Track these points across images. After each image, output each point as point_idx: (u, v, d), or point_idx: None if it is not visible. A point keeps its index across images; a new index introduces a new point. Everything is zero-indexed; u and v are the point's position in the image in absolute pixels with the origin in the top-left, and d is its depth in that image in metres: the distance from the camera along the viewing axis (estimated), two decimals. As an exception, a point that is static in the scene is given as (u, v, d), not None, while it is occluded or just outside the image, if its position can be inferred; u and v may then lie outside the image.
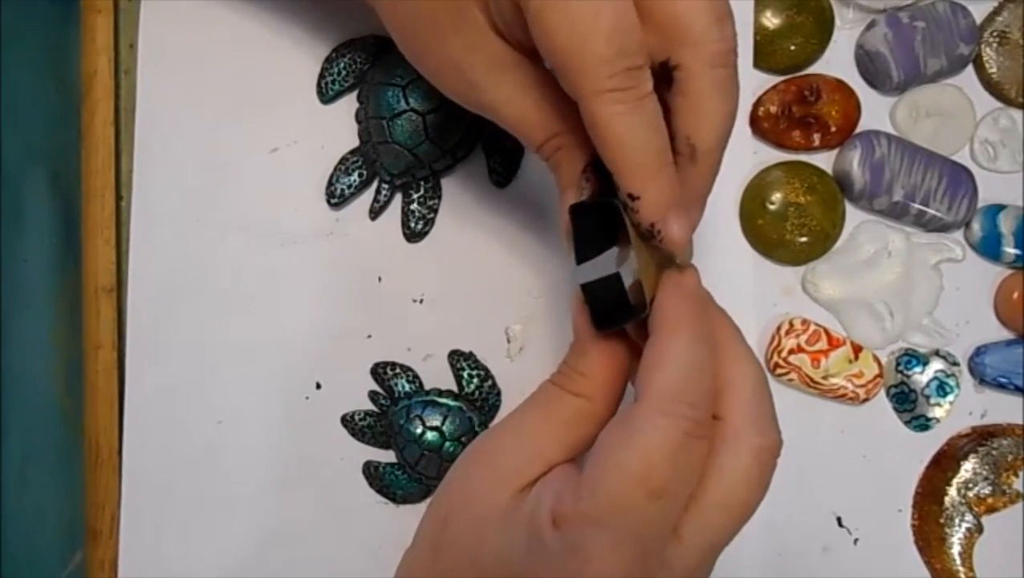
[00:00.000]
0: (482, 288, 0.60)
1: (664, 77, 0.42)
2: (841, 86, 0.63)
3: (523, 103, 0.43)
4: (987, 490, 0.63)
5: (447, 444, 0.57)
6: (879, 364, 0.62)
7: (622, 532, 0.36)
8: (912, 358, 0.63)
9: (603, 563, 0.36)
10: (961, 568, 0.63)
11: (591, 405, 0.42)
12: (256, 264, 0.60)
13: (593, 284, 0.42)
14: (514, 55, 0.43)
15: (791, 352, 0.61)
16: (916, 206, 0.62)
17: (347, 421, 0.59)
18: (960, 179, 0.62)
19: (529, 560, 0.38)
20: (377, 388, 0.59)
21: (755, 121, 0.63)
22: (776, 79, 0.63)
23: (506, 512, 0.40)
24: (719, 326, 0.43)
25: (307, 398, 0.60)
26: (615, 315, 0.42)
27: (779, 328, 0.62)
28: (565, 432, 0.42)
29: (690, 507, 0.38)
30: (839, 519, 0.63)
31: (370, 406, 0.59)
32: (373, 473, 0.59)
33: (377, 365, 0.59)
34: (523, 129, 0.44)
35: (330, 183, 0.59)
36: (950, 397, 0.63)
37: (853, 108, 0.63)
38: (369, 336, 0.60)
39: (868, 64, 0.63)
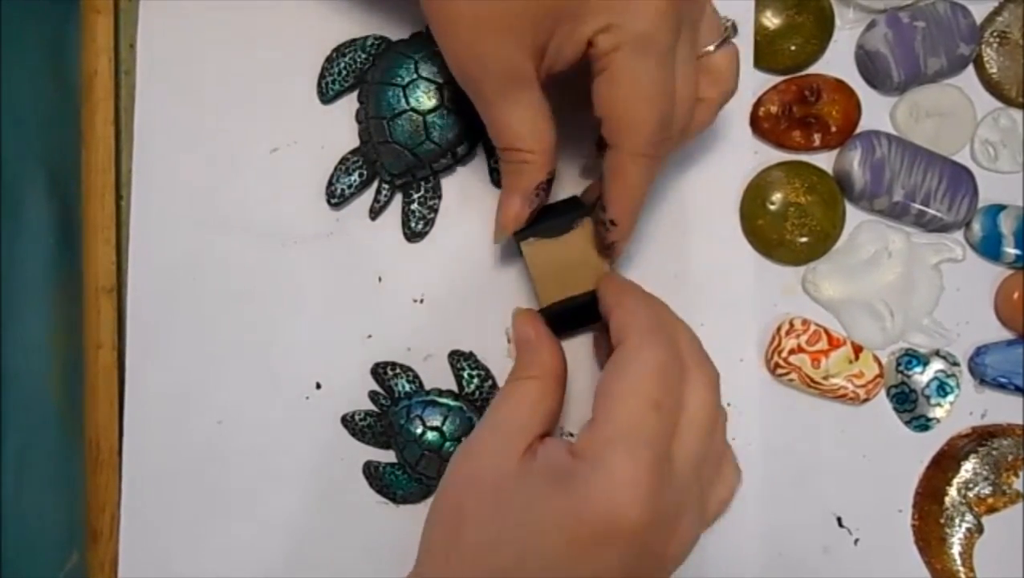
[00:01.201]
0: (482, 288, 0.60)
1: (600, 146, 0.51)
2: (841, 86, 0.63)
3: (522, 116, 0.50)
4: (987, 490, 0.63)
5: (447, 444, 0.57)
6: (879, 364, 0.62)
7: (637, 442, 0.43)
8: (912, 358, 0.63)
9: (626, 472, 0.42)
10: (961, 568, 0.63)
11: (547, 382, 0.51)
12: (256, 264, 0.60)
13: (562, 309, 0.55)
14: (534, 77, 0.48)
15: (791, 352, 0.61)
16: (916, 206, 0.62)
17: (347, 421, 0.59)
18: (960, 179, 0.62)
19: (555, 497, 0.43)
20: (377, 388, 0.59)
21: (755, 121, 0.63)
22: (776, 79, 0.63)
23: (519, 472, 0.46)
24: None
25: (307, 398, 0.60)
26: (578, 322, 0.57)
27: (779, 328, 0.62)
28: (537, 406, 0.49)
29: (679, 422, 0.46)
30: (839, 519, 0.63)
31: (370, 406, 0.59)
32: (373, 473, 0.59)
33: (377, 365, 0.59)
34: (509, 136, 0.51)
35: (330, 183, 0.59)
36: (950, 397, 0.63)
37: (853, 108, 0.63)
38: (369, 336, 0.60)
39: (868, 64, 0.63)
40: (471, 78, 0.49)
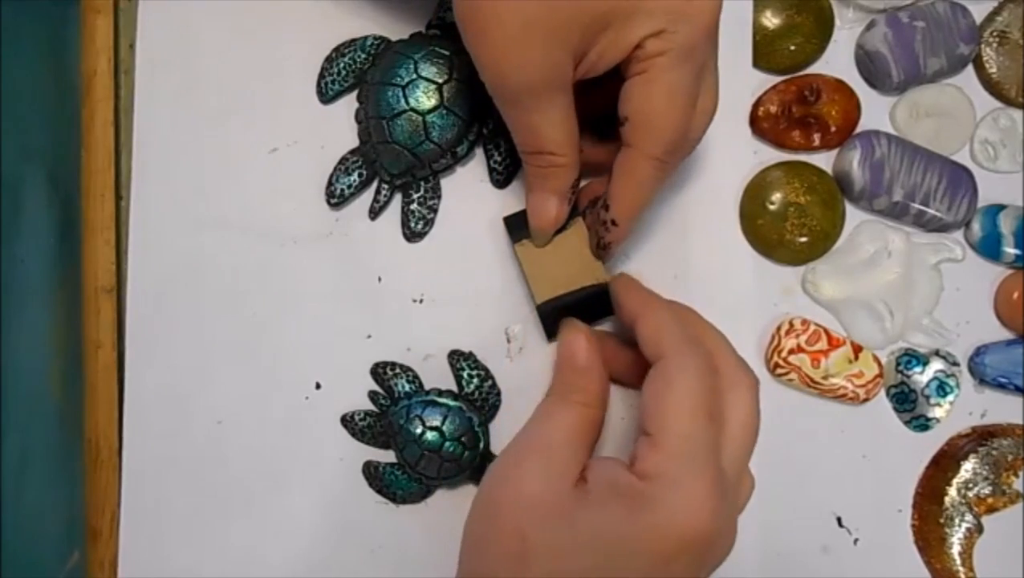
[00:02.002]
0: (482, 288, 0.60)
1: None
2: (841, 86, 0.63)
3: (555, 120, 0.49)
4: (987, 490, 0.63)
5: (447, 444, 0.57)
6: (879, 364, 0.62)
7: (699, 455, 0.44)
8: (912, 358, 0.63)
9: (696, 486, 0.43)
10: (961, 568, 0.63)
11: (596, 412, 0.51)
12: (256, 264, 0.60)
13: (557, 305, 0.56)
14: (571, 82, 0.49)
15: (791, 352, 0.61)
16: (916, 206, 0.62)
17: (347, 421, 0.59)
18: (960, 179, 0.62)
19: (633, 519, 0.44)
20: (377, 388, 0.59)
21: (755, 121, 0.63)
22: (776, 79, 0.63)
23: (580, 496, 0.46)
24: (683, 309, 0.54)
25: (307, 398, 0.60)
26: (598, 314, 0.57)
27: (779, 328, 0.62)
28: (586, 435, 0.49)
29: (724, 431, 0.47)
30: (839, 519, 0.63)
31: (370, 406, 0.59)
32: (373, 473, 0.59)
33: (377, 365, 0.59)
34: (541, 140, 0.51)
35: (330, 183, 0.59)
36: (950, 397, 0.63)
37: (853, 108, 0.63)
38: (369, 336, 0.60)
39: (868, 64, 0.63)
40: (508, 85, 0.48)
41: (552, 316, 0.57)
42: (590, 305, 0.56)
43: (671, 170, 0.51)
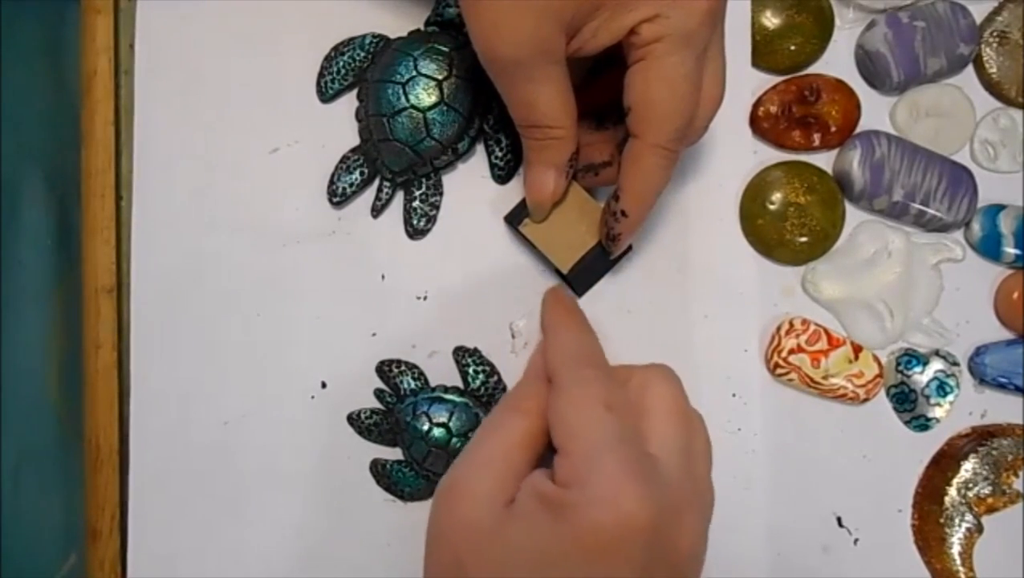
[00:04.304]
0: (485, 284, 0.60)
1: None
2: (841, 86, 0.63)
3: (550, 93, 0.49)
4: (987, 490, 0.63)
5: (454, 440, 0.57)
6: (879, 364, 0.62)
7: (605, 447, 0.43)
8: (912, 358, 0.63)
9: (607, 478, 0.42)
10: (961, 568, 0.63)
11: (543, 420, 0.48)
12: (258, 264, 0.60)
13: (583, 266, 0.57)
14: (563, 55, 0.48)
15: (791, 352, 0.61)
16: (916, 206, 0.62)
17: (353, 419, 0.59)
18: (960, 179, 0.62)
19: (556, 526, 0.42)
20: (383, 386, 0.59)
21: (755, 121, 0.63)
22: (776, 79, 0.63)
23: (513, 514, 0.44)
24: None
25: (313, 397, 0.60)
26: (599, 273, 0.59)
27: (779, 328, 0.62)
28: (530, 447, 0.47)
29: (646, 420, 0.46)
30: (839, 519, 0.63)
31: (376, 404, 0.59)
32: (380, 471, 0.59)
33: (382, 363, 0.59)
34: (536, 114, 0.51)
35: (331, 182, 0.59)
36: (950, 397, 0.63)
37: (853, 108, 0.63)
38: (374, 334, 0.60)
39: (868, 64, 0.63)
40: (499, 56, 0.48)
41: (580, 278, 0.58)
42: (607, 254, 0.57)
43: (676, 159, 0.51)
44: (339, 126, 0.60)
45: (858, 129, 0.63)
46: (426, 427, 0.57)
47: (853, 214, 0.63)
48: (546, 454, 0.47)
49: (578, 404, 0.45)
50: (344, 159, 0.59)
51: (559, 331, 0.52)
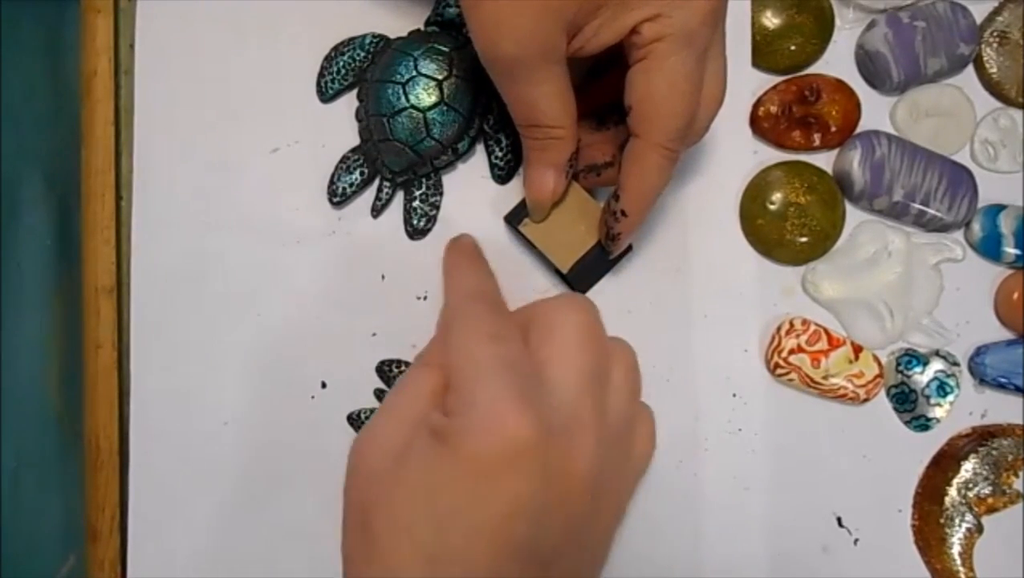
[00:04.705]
0: (485, 284, 0.60)
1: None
2: (841, 86, 0.63)
3: (550, 93, 0.49)
4: (987, 490, 0.63)
5: (452, 440, 0.57)
6: (879, 364, 0.62)
7: (487, 371, 0.43)
8: (912, 358, 0.63)
9: (493, 397, 0.42)
10: (961, 568, 0.63)
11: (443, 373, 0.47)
12: (258, 264, 0.60)
13: (583, 265, 0.57)
14: (564, 54, 0.48)
15: (791, 352, 0.61)
16: (916, 206, 0.62)
17: (353, 419, 0.59)
18: (960, 179, 0.62)
19: (445, 454, 0.42)
20: (383, 386, 0.59)
21: (755, 121, 0.63)
22: (776, 79, 0.63)
23: (406, 456, 0.44)
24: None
25: (313, 397, 0.60)
26: (600, 272, 0.59)
27: (779, 328, 0.62)
28: (431, 395, 0.47)
29: (547, 345, 0.46)
30: (839, 519, 0.63)
31: (376, 404, 0.59)
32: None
33: (382, 363, 0.59)
34: (537, 113, 0.51)
35: (331, 182, 0.59)
36: (950, 397, 0.63)
37: (853, 108, 0.63)
38: (374, 334, 0.60)
39: (868, 64, 0.63)
40: (502, 57, 0.48)
41: (580, 278, 0.58)
42: (607, 254, 0.57)
43: (677, 159, 0.51)
44: (339, 126, 0.60)
45: (858, 129, 0.63)
46: (425, 427, 0.57)
47: (853, 214, 0.63)
48: None
49: (464, 336, 0.46)
50: (344, 159, 0.59)
51: (454, 273, 0.54)
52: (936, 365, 0.63)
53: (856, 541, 0.63)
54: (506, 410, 0.41)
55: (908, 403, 0.63)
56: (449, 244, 0.57)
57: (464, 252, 0.56)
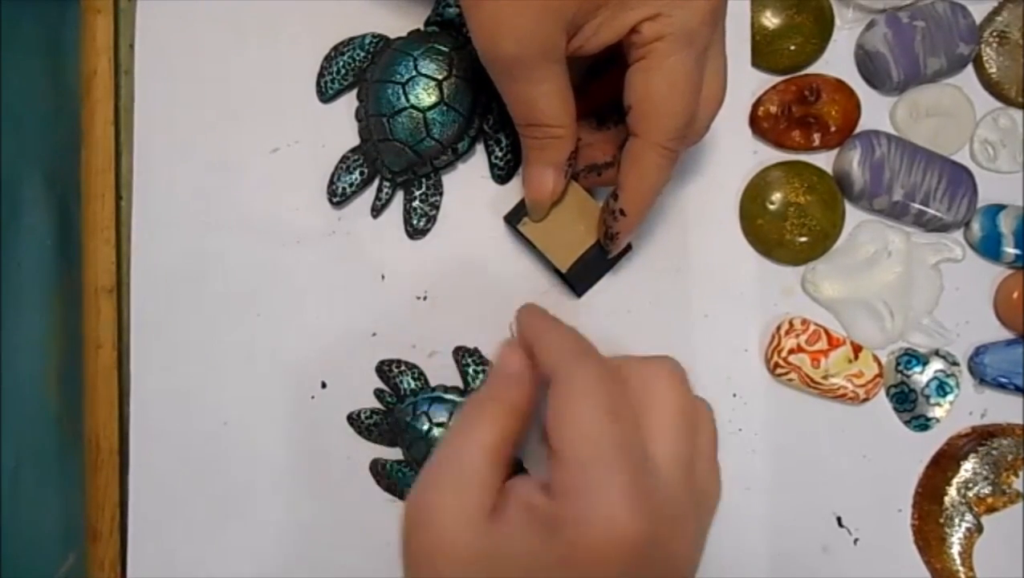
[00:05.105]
0: (485, 284, 0.60)
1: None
2: (841, 86, 0.63)
3: (549, 92, 0.49)
4: (987, 490, 0.63)
5: (453, 440, 0.57)
6: (879, 364, 0.62)
7: (605, 457, 0.40)
8: (912, 358, 0.63)
9: (606, 491, 0.39)
10: (961, 568, 0.63)
11: (514, 421, 0.45)
12: (258, 264, 0.60)
13: (582, 265, 0.57)
14: (564, 54, 0.48)
15: (791, 352, 0.61)
16: (916, 206, 0.62)
17: (353, 419, 0.59)
18: (960, 179, 0.62)
19: (548, 545, 0.40)
20: (383, 386, 0.59)
21: (755, 121, 0.63)
22: (776, 79, 0.63)
23: (495, 531, 0.42)
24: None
25: (313, 397, 0.60)
26: (599, 272, 0.59)
27: (779, 328, 0.62)
28: (499, 451, 0.44)
29: (649, 424, 0.43)
30: (839, 519, 0.63)
31: (376, 404, 0.59)
32: (380, 471, 0.59)
33: (382, 363, 0.59)
34: (536, 113, 0.50)
35: (331, 182, 0.59)
36: (950, 397, 0.63)
37: (853, 108, 0.63)
38: (374, 334, 0.60)
39: (868, 64, 0.63)
40: (502, 56, 0.48)
41: (579, 277, 0.58)
42: (605, 254, 0.57)
43: (676, 159, 0.51)
44: (339, 126, 0.60)
45: (858, 129, 0.63)
46: (426, 427, 0.57)
47: (853, 214, 0.63)
48: (519, 451, 0.46)
49: (580, 406, 0.41)
50: (344, 159, 0.59)
51: (550, 330, 0.47)
52: (936, 365, 0.63)
53: (856, 541, 0.63)
54: (624, 504, 0.39)
55: (908, 403, 0.63)
56: (523, 312, 0.49)
57: (543, 313, 0.50)
